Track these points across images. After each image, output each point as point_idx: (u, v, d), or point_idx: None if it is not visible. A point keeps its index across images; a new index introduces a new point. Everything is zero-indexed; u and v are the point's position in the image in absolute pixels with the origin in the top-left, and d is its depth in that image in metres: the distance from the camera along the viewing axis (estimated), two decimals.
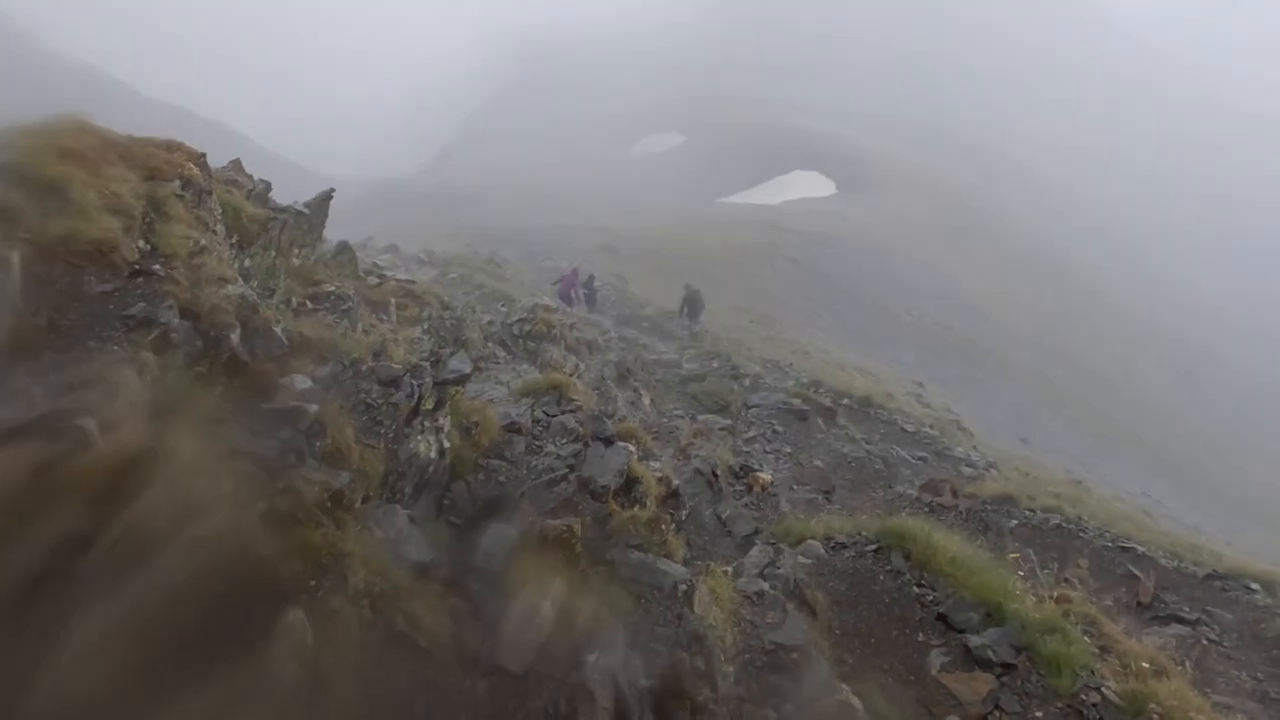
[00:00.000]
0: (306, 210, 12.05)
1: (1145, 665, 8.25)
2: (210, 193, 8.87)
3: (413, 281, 14.63)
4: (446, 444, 7.62)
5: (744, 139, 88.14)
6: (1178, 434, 55.32)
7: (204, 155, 9.15)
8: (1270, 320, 79.06)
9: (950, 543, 9.52)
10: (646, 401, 15.45)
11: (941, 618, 8.65)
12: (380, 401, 7.28)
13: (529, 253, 40.47)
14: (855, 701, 5.93)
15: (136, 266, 6.81)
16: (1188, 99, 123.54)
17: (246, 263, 9.93)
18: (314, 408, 6.34)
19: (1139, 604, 13.31)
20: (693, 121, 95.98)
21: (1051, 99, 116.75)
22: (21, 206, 6.34)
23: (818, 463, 17.69)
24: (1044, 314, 65.58)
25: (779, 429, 19.00)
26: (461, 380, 8.28)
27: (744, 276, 50.78)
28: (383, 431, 7.07)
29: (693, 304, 28.47)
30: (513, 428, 9.29)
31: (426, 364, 7.98)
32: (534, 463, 8.85)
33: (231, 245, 9.60)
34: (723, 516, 10.63)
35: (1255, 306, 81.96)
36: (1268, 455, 56.63)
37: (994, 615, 8.59)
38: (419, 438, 7.23)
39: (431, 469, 7.28)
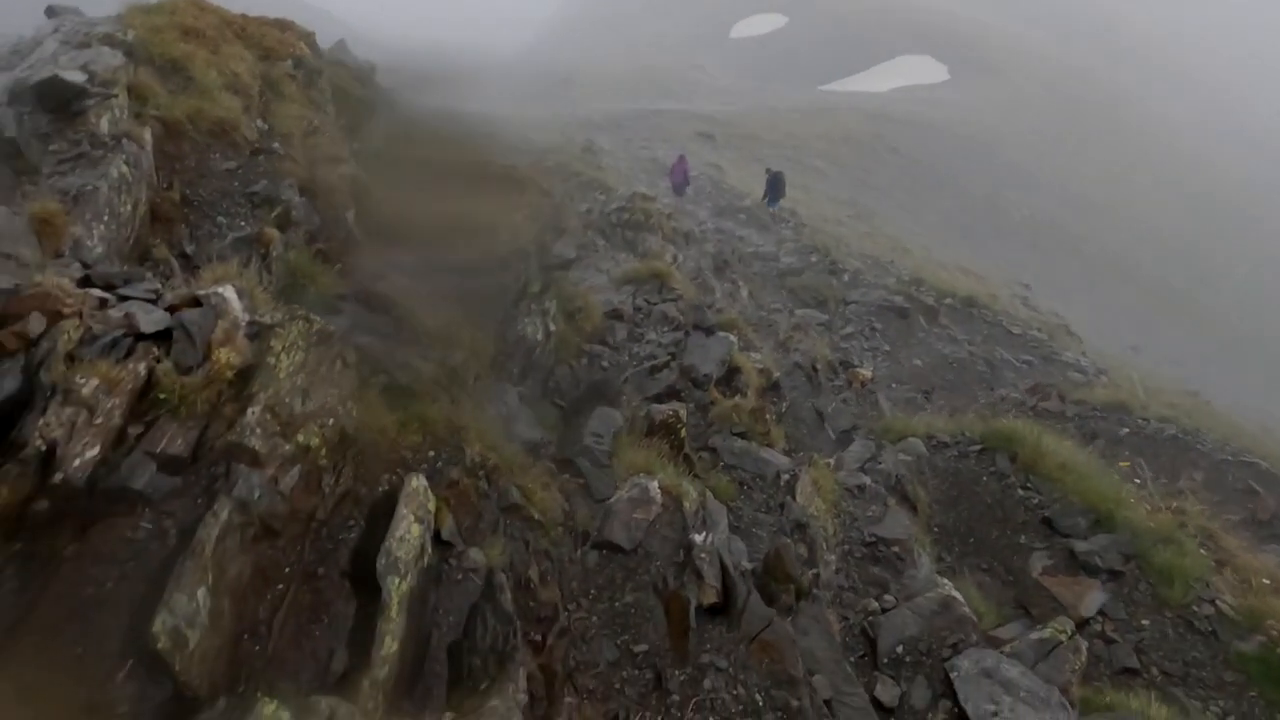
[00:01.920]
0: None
1: (1265, 581, 7.90)
2: (321, 72, 8.91)
3: (515, 167, 14.55)
4: (552, 327, 7.71)
5: (850, 20, 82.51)
6: None
7: (313, 34, 9.15)
8: None
9: (1060, 447, 9.20)
10: (744, 294, 15.23)
11: (1046, 521, 8.45)
12: (489, 284, 7.37)
13: (625, 141, 39.62)
14: (957, 595, 5.90)
15: (256, 145, 6.95)
16: None
17: (355, 145, 10.04)
18: (427, 288, 6.46)
19: (1257, 520, 12.69)
20: (795, 1, 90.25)
21: None
22: (150, 85, 6.51)
23: (917, 361, 17.25)
24: (1171, 215, 60.71)
25: (878, 326, 18.50)
26: (566, 265, 8.29)
27: (844, 168, 48.63)
28: (491, 313, 7.18)
29: (774, 186, 27.55)
30: (614, 314, 9.32)
31: (531, 248, 7.99)
32: (635, 349, 8.90)
33: (341, 126, 9.70)
34: (821, 411, 10.54)
35: None
36: None
37: (1103, 522, 8.34)
38: (526, 320, 7.32)
39: (538, 351, 7.40)
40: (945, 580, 6.12)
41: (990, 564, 8.28)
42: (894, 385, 15.00)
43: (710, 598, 4.73)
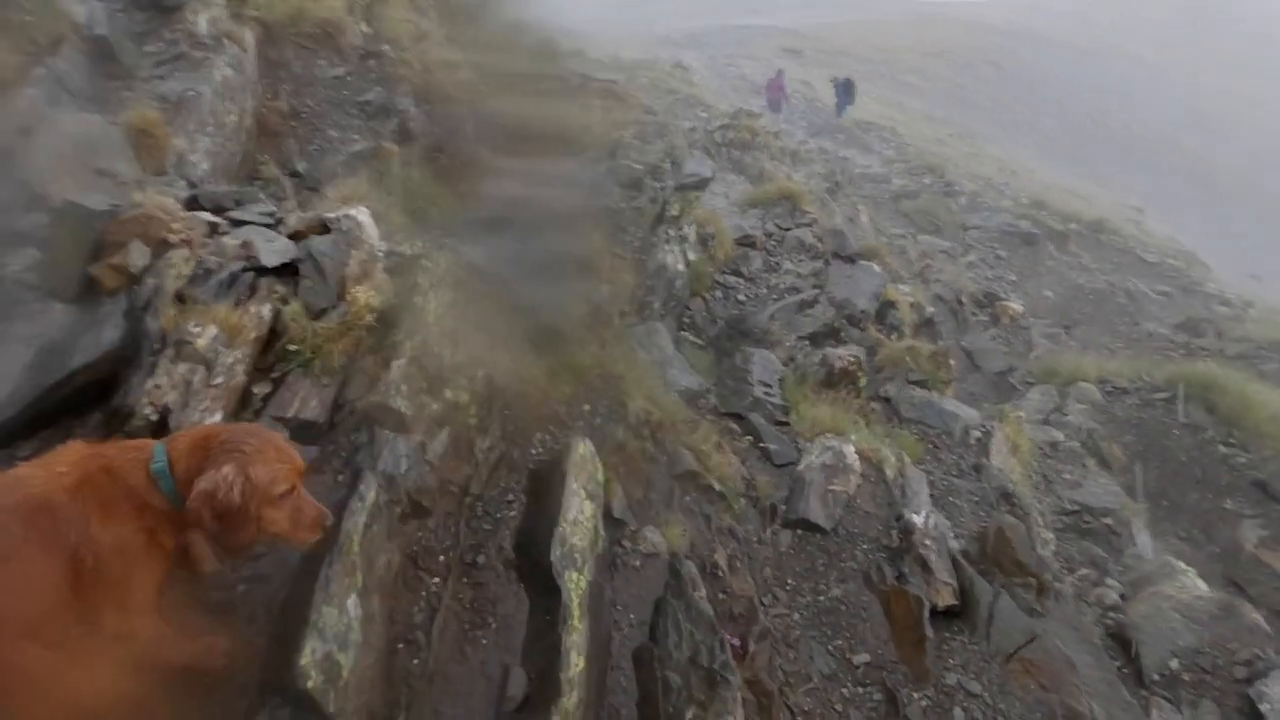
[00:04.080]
0: None
1: None
2: None
3: (614, 82, 13.38)
4: (691, 256, 6.75)
5: None
6: None
7: None
8: None
9: (1272, 397, 7.91)
10: (864, 218, 13.90)
11: (1259, 485, 7.26)
12: (623, 205, 6.42)
13: (710, 58, 37.51)
14: (1197, 584, 4.88)
15: (365, 50, 6.07)
16: None
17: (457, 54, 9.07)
18: (561, 208, 5.57)
19: None
20: None
21: None
22: None
23: (1048, 293, 15.73)
24: None
25: (1002, 254, 16.95)
26: (702, 185, 7.27)
27: (942, 82, 45.40)
28: (628, 240, 6.25)
29: (845, 91, 25.63)
30: (747, 241, 8.29)
31: (667, 164, 6.98)
32: (774, 281, 7.88)
33: (443, 34, 8.73)
34: (970, 350, 9.39)
35: None
36: None
37: None
38: (665, 248, 6.37)
39: (679, 283, 6.47)
40: (1185, 566, 5.10)
41: (1189, 532, 7.16)
42: (1029, 319, 13.64)
43: (946, 598, 3.84)
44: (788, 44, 44.11)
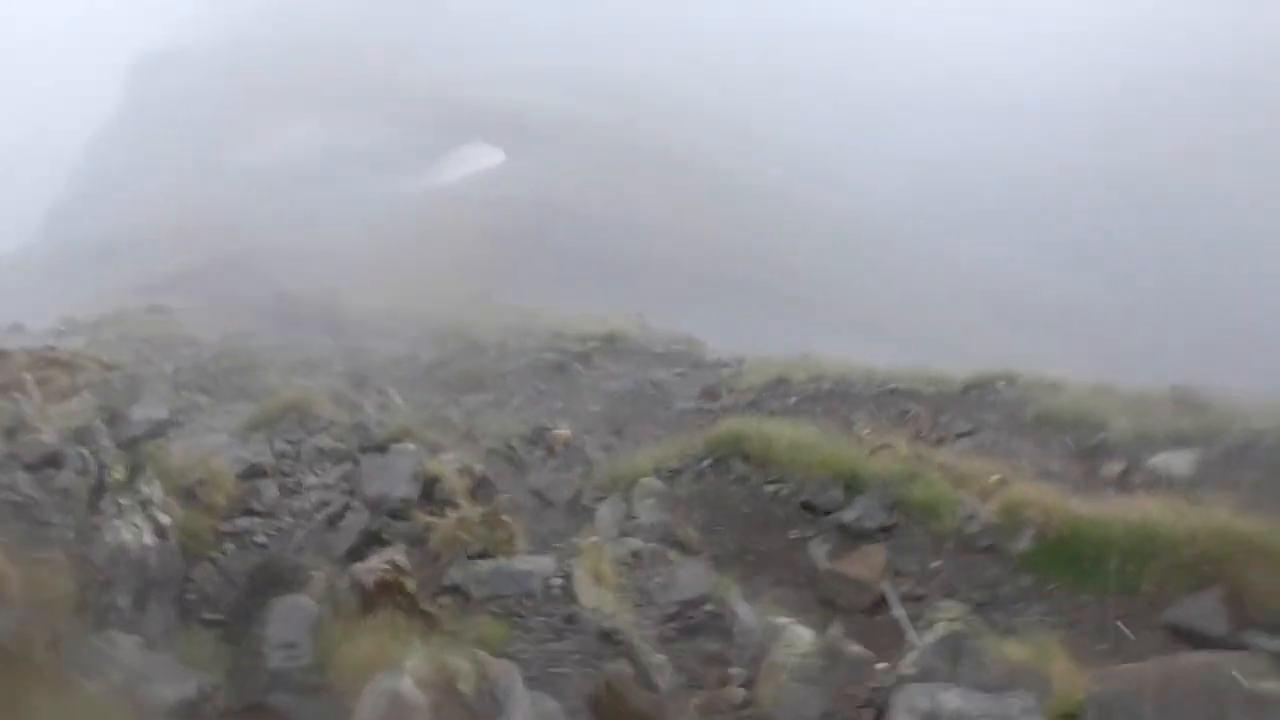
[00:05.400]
0: None
1: (995, 478, 8.23)
2: None
3: (52, 348, 11.04)
4: (165, 519, 5.30)
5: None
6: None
7: None
8: None
9: (782, 428, 8.94)
10: (397, 401, 13.30)
11: (806, 506, 8.01)
12: (36, 494, 4.80)
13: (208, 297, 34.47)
14: (800, 635, 4.89)
15: None
16: None
17: None
18: None
19: (920, 436, 13.88)
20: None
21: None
22: None
23: (594, 407, 16.73)
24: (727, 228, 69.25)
25: (542, 387, 17.74)
26: (159, 431, 5.93)
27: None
28: (54, 533, 4.65)
29: None
30: (255, 471, 7.02)
31: (98, 423, 5.50)
32: (296, 504, 6.73)
33: None
34: (538, 489, 9.16)
35: None
36: None
37: (853, 485, 8.10)
38: (116, 524, 4.87)
39: (154, 560, 4.98)
40: (787, 617, 5.10)
41: (779, 574, 7.56)
42: (585, 436, 14.18)
43: None
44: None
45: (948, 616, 4.40)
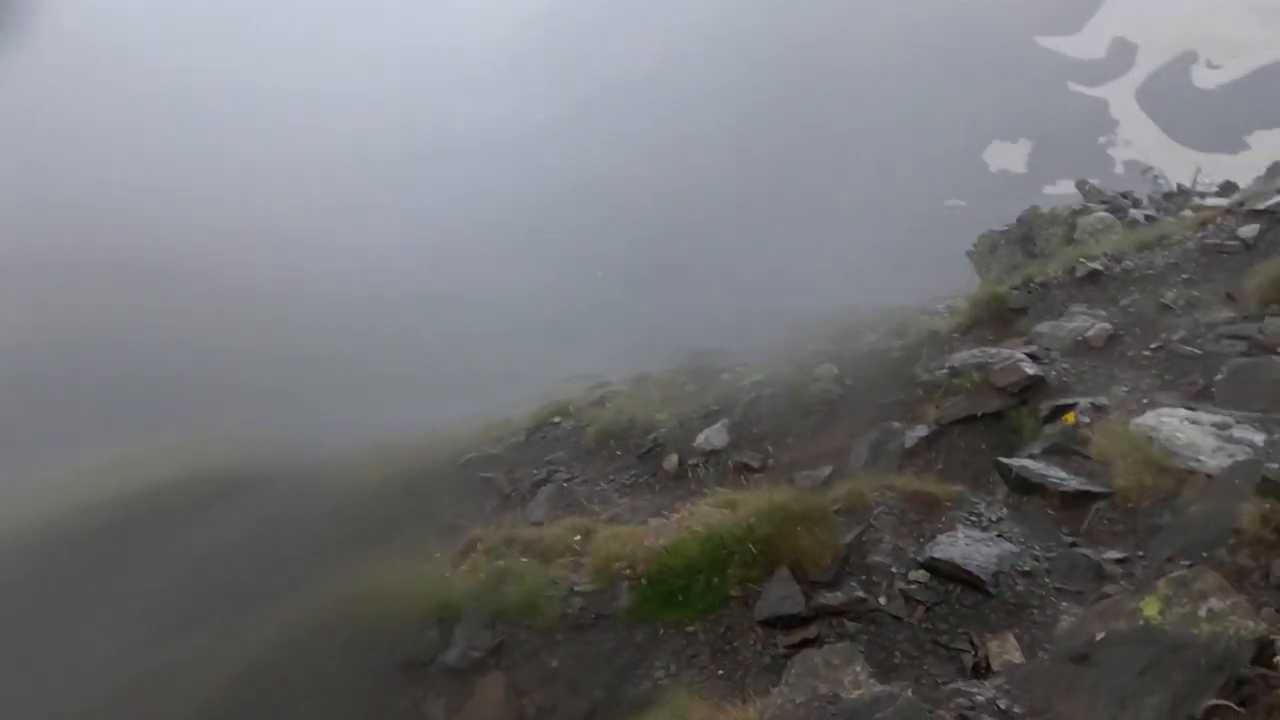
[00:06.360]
0: None
1: (577, 538, 8.08)
2: None
3: None
4: None
5: None
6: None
7: None
8: None
9: None
10: None
11: (408, 665, 6.98)
12: None
13: None
14: None
15: None
16: None
17: None
18: None
19: (507, 497, 13.62)
20: None
21: None
22: None
23: None
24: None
25: None
26: None
27: None
28: None
29: None
30: None
31: None
32: None
33: None
34: None
35: None
36: None
37: (446, 618, 7.25)
38: None
39: None
40: None
41: None
42: None
43: None
44: None
45: None
